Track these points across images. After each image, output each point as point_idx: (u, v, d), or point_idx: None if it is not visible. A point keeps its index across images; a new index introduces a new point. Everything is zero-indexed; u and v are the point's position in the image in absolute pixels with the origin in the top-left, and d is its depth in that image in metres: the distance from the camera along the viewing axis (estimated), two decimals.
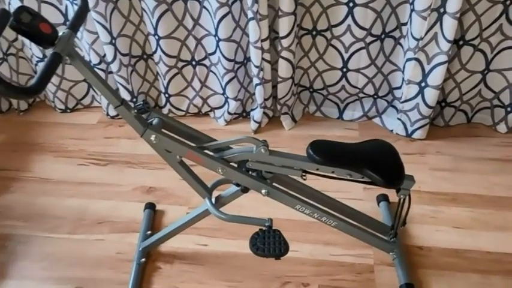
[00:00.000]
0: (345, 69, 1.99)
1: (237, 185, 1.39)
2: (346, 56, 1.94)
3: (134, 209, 1.81)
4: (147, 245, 1.62)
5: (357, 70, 1.98)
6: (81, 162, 2.04)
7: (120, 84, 2.07)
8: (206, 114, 2.25)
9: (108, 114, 2.25)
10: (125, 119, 1.21)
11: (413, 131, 2.04)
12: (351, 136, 2.09)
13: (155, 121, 1.27)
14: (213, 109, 2.22)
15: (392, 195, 1.78)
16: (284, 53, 1.88)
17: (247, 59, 2.01)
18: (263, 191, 1.35)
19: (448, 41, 1.71)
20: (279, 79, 1.98)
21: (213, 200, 1.44)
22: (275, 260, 1.30)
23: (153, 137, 1.22)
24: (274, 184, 1.39)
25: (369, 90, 2.05)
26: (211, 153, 1.32)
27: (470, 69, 1.89)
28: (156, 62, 2.05)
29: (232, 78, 2.02)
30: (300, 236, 1.70)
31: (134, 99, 2.15)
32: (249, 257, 1.37)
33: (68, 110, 2.30)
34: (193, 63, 2.05)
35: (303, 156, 1.33)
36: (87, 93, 2.28)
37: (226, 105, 2.16)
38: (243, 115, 2.22)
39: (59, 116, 2.29)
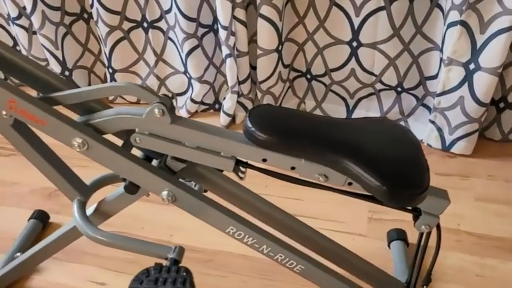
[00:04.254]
0: (355, 44, 1.37)
1: (124, 179, 0.78)
2: (356, 21, 1.32)
3: (21, 219, 1.21)
4: None
5: (373, 45, 1.35)
6: None
7: (46, 48, 1.52)
8: None
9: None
10: None
11: (453, 142, 1.37)
12: None
13: None
14: (174, 95, 1.63)
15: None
16: (264, 10, 1.28)
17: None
18: (163, 194, 0.74)
19: None
20: (259, 51, 1.38)
21: (93, 208, 0.85)
22: None
23: None
24: (187, 183, 0.78)
25: (390, 78, 1.41)
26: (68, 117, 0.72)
27: None
28: (95, 20, 1.49)
29: (195, 47, 1.44)
30: (255, 284, 1.05)
31: (66, 73, 1.59)
32: None
33: None
34: (145, 25, 1.48)
35: (239, 133, 0.71)
36: None
37: (190, 89, 1.57)
38: (215, 107, 1.61)
39: None
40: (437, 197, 0.72)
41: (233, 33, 1.34)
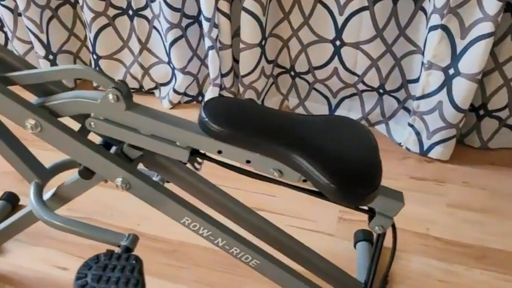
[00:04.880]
0: (338, 42, 1.36)
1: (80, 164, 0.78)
2: (340, 20, 1.32)
3: None
4: None
5: (356, 45, 1.35)
6: None
7: (31, 31, 1.51)
8: (150, 92, 1.65)
9: None
10: None
11: (431, 147, 1.36)
12: None
13: None
14: (158, 85, 1.63)
15: None
16: (248, 3, 1.28)
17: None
18: (118, 181, 0.74)
19: None
20: (242, 45, 1.37)
21: (51, 193, 0.84)
22: None
23: None
24: (146, 172, 0.77)
25: (372, 79, 1.40)
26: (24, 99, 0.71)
27: None
28: (80, 5, 1.48)
29: (179, 38, 1.43)
30: (215, 278, 1.05)
31: (50, 57, 1.59)
32: None
33: None
34: (130, 12, 1.48)
35: (196, 124, 0.71)
36: None
37: (174, 80, 1.56)
38: (198, 99, 1.61)
39: None
40: (391, 198, 0.71)
41: (216, 26, 1.33)
